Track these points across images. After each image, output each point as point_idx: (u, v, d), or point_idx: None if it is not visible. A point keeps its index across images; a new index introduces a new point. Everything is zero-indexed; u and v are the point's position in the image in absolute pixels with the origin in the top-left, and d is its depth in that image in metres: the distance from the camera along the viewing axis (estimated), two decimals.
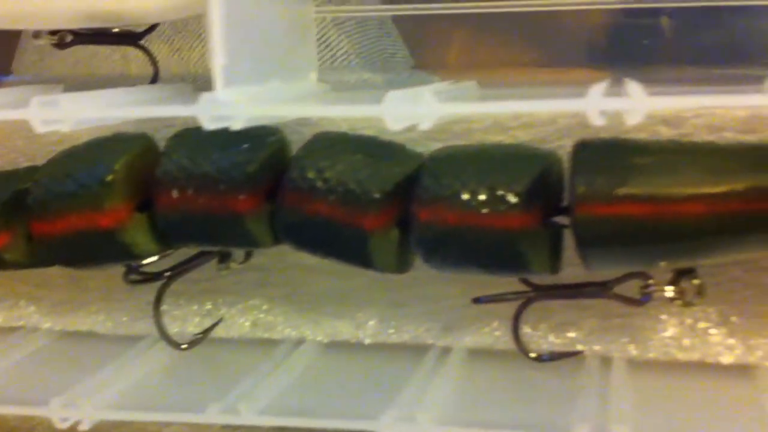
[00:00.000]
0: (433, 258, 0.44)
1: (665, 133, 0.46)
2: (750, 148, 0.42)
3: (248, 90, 0.40)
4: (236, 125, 0.39)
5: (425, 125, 0.37)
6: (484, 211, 0.42)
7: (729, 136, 0.46)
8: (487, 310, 0.49)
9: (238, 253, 0.51)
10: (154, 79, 0.54)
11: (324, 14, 0.56)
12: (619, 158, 0.41)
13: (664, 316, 0.48)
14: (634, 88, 0.35)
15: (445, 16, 0.67)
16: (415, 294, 0.51)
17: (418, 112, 0.37)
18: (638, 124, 0.46)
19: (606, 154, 0.42)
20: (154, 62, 0.54)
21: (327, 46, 0.76)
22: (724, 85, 0.50)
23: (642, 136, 0.47)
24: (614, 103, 0.35)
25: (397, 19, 0.98)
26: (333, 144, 0.46)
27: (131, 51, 0.61)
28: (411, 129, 0.48)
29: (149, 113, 0.42)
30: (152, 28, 0.53)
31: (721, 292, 0.47)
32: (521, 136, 0.48)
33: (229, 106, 0.39)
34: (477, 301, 0.47)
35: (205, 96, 0.39)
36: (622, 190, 0.40)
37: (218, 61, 0.39)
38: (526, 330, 0.49)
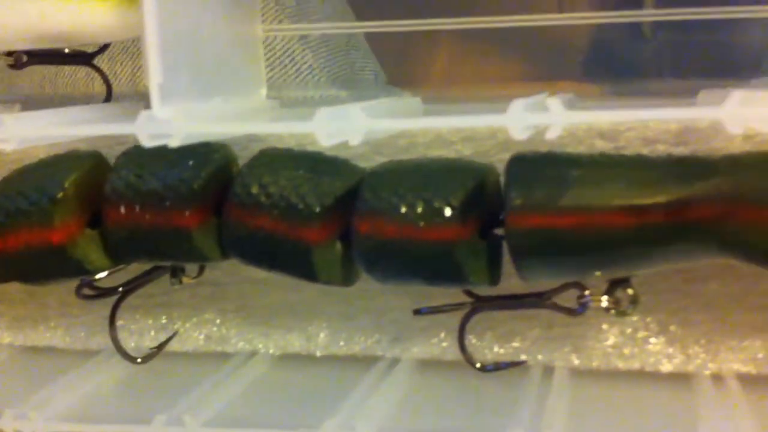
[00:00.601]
0: (374, 270, 0.45)
1: (601, 146, 0.47)
2: (675, 160, 0.43)
3: (187, 107, 0.41)
4: (173, 142, 0.40)
5: (355, 141, 0.38)
6: (421, 223, 0.43)
7: (662, 149, 0.47)
8: (435, 321, 0.50)
9: (192, 267, 0.52)
10: (108, 98, 0.55)
11: (272, 33, 0.57)
12: (551, 171, 0.43)
13: (605, 326, 0.48)
14: (553, 103, 0.36)
15: (418, 32, 0.68)
16: (364, 306, 0.51)
17: (348, 128, 0.38)
18: (576, 137, 0.48)
19: (538, 168, 0.43)
20: (106, 81, 0.55)
21: (291, 61, 0.77)
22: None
23: (580, 149, 0.48)
24: (533, 118, 0.36)
25: (369, 36, 0.99)
26: (276, 160, 0.47)
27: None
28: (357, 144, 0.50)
29: (88, 132, 0.43)
30: (104, 47, 0.54)
31: (661, 302, 0.48)
32: (463, 150, 0.49)
33: (166, 123, 0.39)
34: (418, 312, 0.48)
35: (143, 114, 0.40)
36: (553, 202, 0.42)
37: (154, 80, 0.40)
38: (472, 340, 0.50)
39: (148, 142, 0.40)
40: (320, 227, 0.45)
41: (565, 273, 0.44)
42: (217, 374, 0.50)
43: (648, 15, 0.66)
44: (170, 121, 0.40)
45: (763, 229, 0.39)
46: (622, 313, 0.45)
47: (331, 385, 0.49)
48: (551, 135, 0.37)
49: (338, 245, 0.45)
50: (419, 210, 0.43)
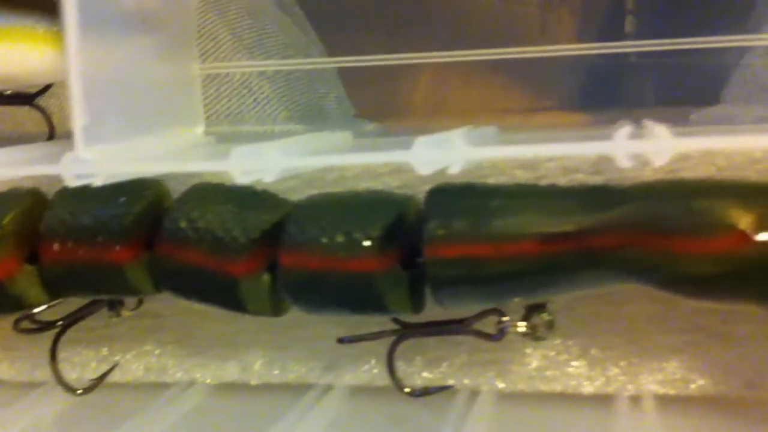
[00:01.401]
0: (299, 301, 0.47)
1: (522, 176, 0.49)
2: (585, 190, 0.45)
3: (112, 148, 0.43)
4: (97, 182, 0.41)
5: (269, 178, 0.40)
6: (342, 255, 0.44)
7: (580, 178, 0.48)
8: (366, 349, 0.52)
9: (131, 300, 0.54)
10: (51, 136, 0.57)
11: (209, 71, 0.59)
12: (467, 202, 0.44)
13: (529, 350, 0.50)
14: (456, 137, 0.38)
15: (388, 66, 0.70)
16: (298, 335, 0.53)
17: (262, 166, 0.40)
18: (498, 167, 0.50)
19: (455, 199, 0.45)
20: (48, 120, 0.57)
21: (249, 92, 0.79)
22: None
23: (503, 179, 0.50)
24: (436, 155, 0.38)
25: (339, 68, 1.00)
26: (205, 195, 0.48)
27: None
28: (289, 178, 0.51)
29: (12, 173, 0.45)
30: (46, 88, 0.56)
31: (582, 326, 0.49)
32: (392, 182, 0.51)
33: (89, 164, 0.41)
34: (341, 341, 0.49)
35: (67, 155, 0.41)
36: (467, 233, 0.43)
37: (78, 122, 0.41)
38: (402, 366, 0.51)
39: (72, 183, 0.41)
40: (246, 260, 0.46)
41: (481, 300, 0.45)
42: (154, 404, 0.51)
43: (630, 46, 0.68)
44: (94, 161, 0.41)
45: (666, 257, 0.41)
46: (538, 338, 0.46)
47: (264, 413, 0.50)
48: (453, 171, 0.38)
49: (265, 277, 0.47)
50: (339, 242, 0.44)
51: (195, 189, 0.49)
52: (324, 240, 0.45)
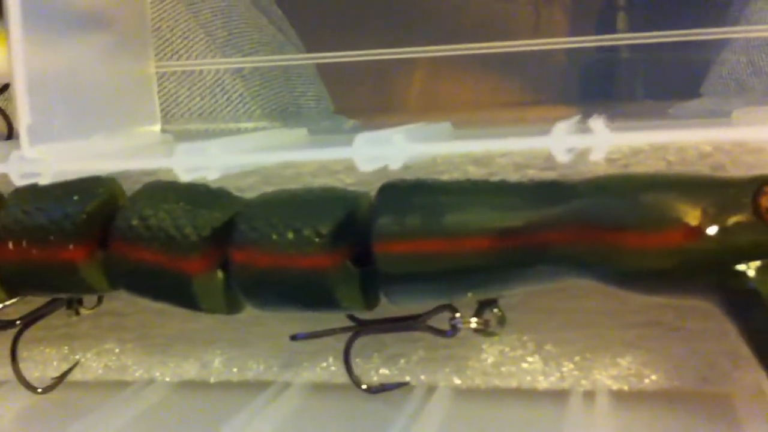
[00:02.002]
0: (252, 298, 0.47)
1: (474, 172, 0.49)
2: (535, 185, 0.45)
3: (60, 146, 0.43)
4: (43, 181, 0.41)
5: (212, 175, 0.40)
6: (292, 252, 0.45)
7: (532, 173, 0.48)
8: (325, 346, 0.52)
9: (91, 299, 0.54)
10: (9, 136, 0.57)
11: (165, 69, 0.59)
12: (417, 199, 0.44)
13: (485, 346, 0.50)
14: (396, 136, 0.38)
15: (371, 63, 0.70)
16: (257, 333, 0.53)
17: (204, 163, 0.40)
18: (453, 163, 0.50)
19: (405, 195, 0.45)
20: (7, 120, 0.57)
21: (222, 90, 0.79)
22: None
23: (456, 174, 0.50)
24: (376, 152, 0.38)
25: (318, 64, 1.01)
26: (158, 193, 0.48)
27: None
28: (247, 175, 0.51)
29: None
30: (4, 87, 0.56)
31: (538, 321, 0.49)
32: (346, 179, 0.51)
33: (35, 163, 0.41)
34: (294, 338, 0.49)
35: (14, 154, 0.41)
36: (415, 229, 0.43)
37: (24, 121, 0.41)
38: (360, 363, 0.51)
39: (19, 182, 0.42)
40: (198, 258, 0.46)
41: (432, 297, 0.45)
42: (112, 402, 0.51)
43: (622, 39, 0.68)
44: (39, 160, 0.41)
45: (613, 251, 0.41)
46: (490, 334, 0.47)
47: (222, 411, 0.50)
48: (394, 167, 0.38)
49: (219, 275, 0.47)
50: (289, 239, 0.45)
51: (148, 187, 0.49)
52: (274, 237, 0.45)
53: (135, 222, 0.47)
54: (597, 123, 0.36)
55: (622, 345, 0.48)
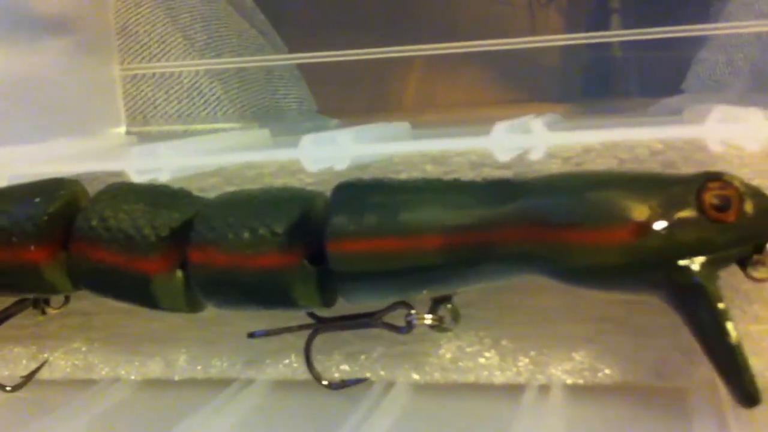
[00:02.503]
0: (211, 298, 0.47)
1: (431, 170, 0.50)
2: (488, 184, 0.46)
3: (19, 149, 0.44)
4: (0, 183, 0.42)
5: (164, 177, 0.41)
6: (248, 251, 0.45)
7: (487, 172, 0.49)
8: (287, 343, 0.53)
9: (58, 299, 0.55)
10: None
11: (130, 72, 0.60)
12: (371, 198, 0.45)
13: (444, 342, 0.51)
14: (341, 137, 0.39)
15: (352, 62, 0.70)
16: (221, 331, 0.54)
17: (156, 165, 0.40)
18: (412, 162, 0.50)
19: (359, 194, 0.45)
20: None
21: (199, 94, 0.79)
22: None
23: (415, 173, 0.50)
24: (322, 153, 0.39)
25: (301, 65, 1.02)
26: (119, 194, 0.49)
27: None
28: (209, 176, 0.52)
29: None
30: None
31: (494, 317, 0.50)
32: (306, 180, 0.51)
33: None
34: (251, 336, 0.50)
35: None
36: (368, 227, 0.44)
37: None
38: (321, 359, 0.52)
39: None
40: (157, 258, 0.47)
41: (386, 294, 0.46)
42: (77, 401, 0.52)
43: (616, 36, 0.68)
44: None
45: (561, 248, 0.42)
46: (444, 330, 0.47)
47: (185, 408, 0.50)
48: (339, 168, 0.39)
49: (179, 274, 0.48)
50: (245, 239, 0.45)
51: (110, 188, 0.49)
52: (230, 237, 0.46)
53: (95, 223, 0.48)
54: (536, 123, 0.37)
55: (576, 340, 0.49)
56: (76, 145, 0.49)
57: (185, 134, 0.68)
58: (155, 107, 0.75)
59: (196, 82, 0.78)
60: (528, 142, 0.37)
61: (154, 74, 0.74)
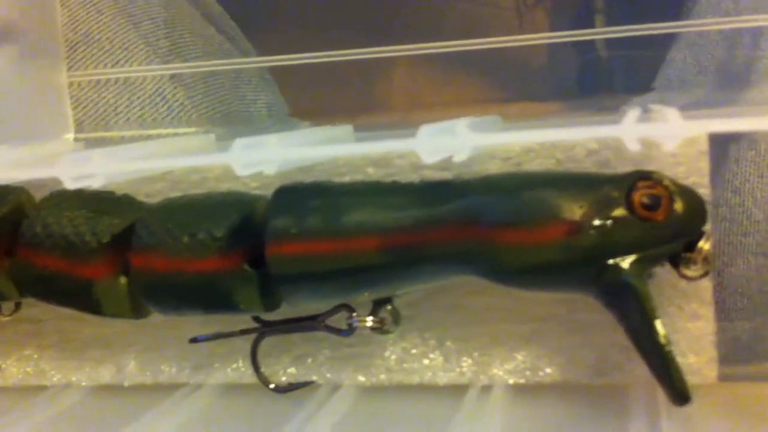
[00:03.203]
0: (153, 303, 0.48)
1: (373, 173, 0.50)
2: (426, 185, 0.46)
3: None
4: None
5: (97, 183, 0.41)
6: (188, 256, 0.46)
7: (429, 173, 0.49)
8: (235, 347, 0.53)
9: (8, 306, 0.55)
10: None
11: (78, 78, 0.60)
12: (308, 201, 0.45)
13: (389, 344, 0.51)
14: (270, 140, 0.39)
15: (331, 63, 0.70)
16: (170, 336, 0.54)
17: (88, 171, 0.41)
18: (354, 165, 0.51)
19: (296, 198, 0.46)
20: None
21: (162, 99, 0.80)
22: None
23: (358, 176, 0.51)
24: (252, 157, 0.39)
25: (275, 69, 1.02)
26: (62, 200, 0.49)
27: None
28: (155, 181, 0.52)
29: None
30: None
31: (439, 318, 0.50)
32: (252, 184, 0.52)
33: None
34: (194, 341, 0.50)
35: None
36: (305, 230, 0.44)
37: None
38: (270, 362, 0.52)
39: None
40: (98, 264, 0.47)
41: (325, 297, 0.46)
42: (27, 406, 0.53)
43: (602, 33, 0.69)
44: None
45: (494, 248, 0.42)
46: (385, 332, 0.48)
47: (133, 413, 0.51)
48: (269, 171, 0.39)
49: (122, 280, 0.48)
50: (185, 243, 0.46)
51: (53, 195, 0.50)
52: (170, 242, 0.46)
53: (38, 230, 0.48)
54: (460, 126, 0.38)
55: (518, 340, 0.49)
56: (19, 152, 0.50)
57: (132, 140, 0.69)
58: (116, 113, 0.75)
59: (159, 87, 0.79)
60: (452, 144, 0.37)
61: (117, 80, 0.74)
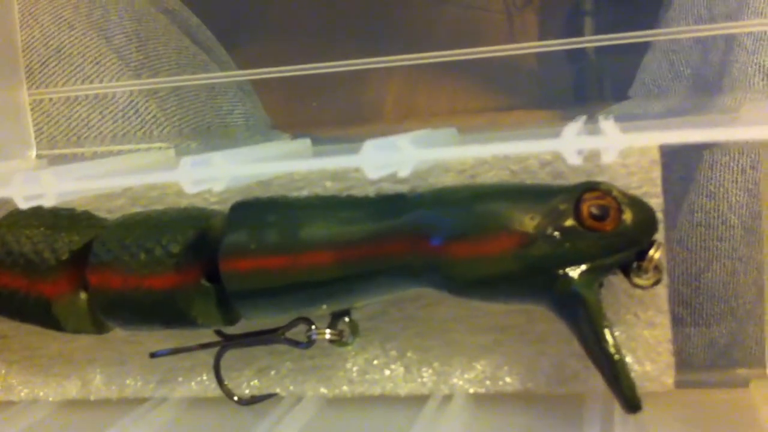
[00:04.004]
0: (112, 319, 0.48)
1: (331, 187, 0.50)
2: (380, 198, 0.47)
3: None
4: None
5: (48, 202, 0.41)
6: (144, 272, 0.46)
7: (386, 186, 0.50)
8: (199, 361, 0.53)
9: None
10: None
11: (38, 97, 0.60)
12: (263, 216, 0.46)
13: (351, 355, 0.51)
14: (216, 158, 0.39)
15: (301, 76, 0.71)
16: (134, 351, 0.54)
17: (39, 191, 0.41)
18: (310, 179, 0.51)
19: (252, 213, 0.46)
20: None
21: (135, 113, 0.80)
22: None
23: (317, 190, 0.51)
24: (199, 174, 0.39)
25: (257, 80, 1.02)
26: (22, 219, 0.50)
27: None
28: (116, 197, 0.53)
29: None
30: None
31: (399, 329, 0.51)
32: (211, 199, 0.52)
33: None
34: (153, 355, 0.51)
35: None
36: (259, 246, 0.45)
37: None
38: (233, 375, 0.53)
39: None
40: (58, 280, 0.48)
41: (281, 311, 0.47)
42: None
43: (595, 41, 0.69)
44: None
45: (443, 260, 0.43)
46: (343, 344, 0.48)
47: (98, 427, 0.51)
48: (216, 189, 0.40)
49: (82, 296, 0.48)
50: (141, 260, 0.46)
51: (12, 213, 0.50)
52: (126, 258, 0.46)
53: None
54: (404, 142, 0.38)
55: (478, 349, 0.50)
56: None
57: (98, 155, 0.69)
58: (89, 128, 0.75)
59: (132, 101, 0.79)
60: (395, 159, 0.38)
61: (87, 95, 0.75)
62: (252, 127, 0.96)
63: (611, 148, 0.35)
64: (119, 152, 0.68)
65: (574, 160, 0.36)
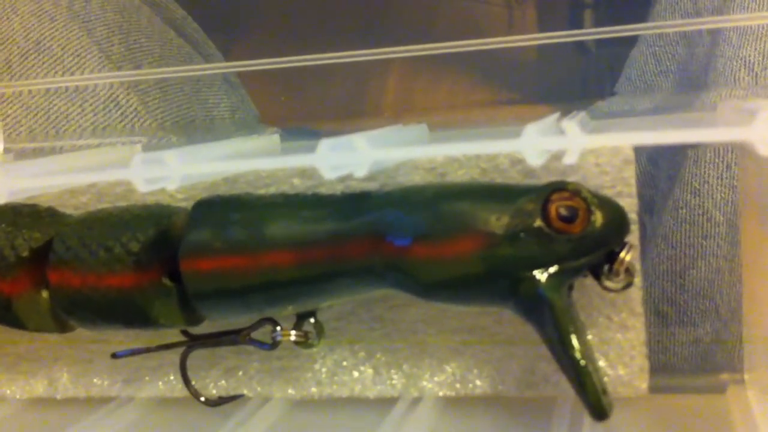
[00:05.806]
0: (73, 318, 0.47)
1: (298, 184, 0.49)
2: (344, 198, 0.45)
3: None
4: None
5: (2, 200, 0.40)
6: (103, 270, 0.45)
7: (354, 185, 0.48)
8: (166, 360, 0.52)
9: None
10: None
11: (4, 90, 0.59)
12: (225, 215, 0.45)
13: (320, 357, 0.50)
14: (168, 156, 0.38)
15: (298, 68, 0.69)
16: (100, 350, 0.53)
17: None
18: (277, 177, 0.50)
19: (213, 212, 0.45)
20: None
21: (116, 106, 0.79)
22: None
23: (284, 187, 0.50)
24: (153, 173, 0.38)
25: (247, 73, 1.01)
26: None
27: None
28: (81, 194, 0.52)
29: None
30: None
31: (368, 331, 0.50)
32: (177, 195, 0.51)
33: None
34: (114, 356, 0.50)
35: None
36: (221, 245, 0.44)
37: None
38: (201, 375, 0.52)
39: None
40: (17, 279, 0.47)
41: (244, 312, 0.46)
42: None
43: (595, 33, 0.68)
44: None
45: (406, 261, 0.42)
46: (309, 345, 0.47)
47: (64, 427, 0.50)
48: (170, 187, 0.39)
49: (44, 295, 0.47)
50: (101, 258, 0.45)
51: None
52: (85, 256, 0.45)
53: None
54: (359, 140, 0.37)
55: (447, 352, 0.49)
56: None
57: (61, 150, 0.68)
58: (68, 121, 0.75)
59: (113, 93, 0.78)
60: (352, 159, 0.37)
61: (67, 87, 0.74)
62: (238, 121, 0.95)
63: (573, 149, 0.34)
64: (87, 146, 0.67)
65: (535, 160, 0.35)
